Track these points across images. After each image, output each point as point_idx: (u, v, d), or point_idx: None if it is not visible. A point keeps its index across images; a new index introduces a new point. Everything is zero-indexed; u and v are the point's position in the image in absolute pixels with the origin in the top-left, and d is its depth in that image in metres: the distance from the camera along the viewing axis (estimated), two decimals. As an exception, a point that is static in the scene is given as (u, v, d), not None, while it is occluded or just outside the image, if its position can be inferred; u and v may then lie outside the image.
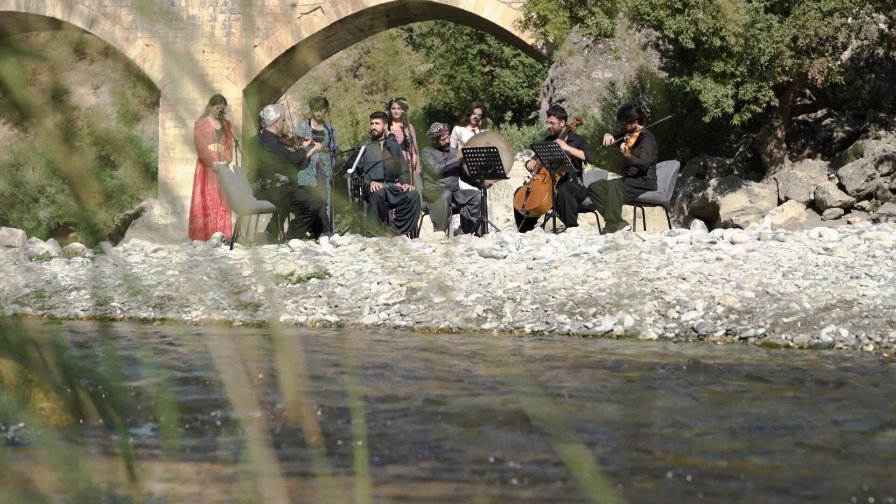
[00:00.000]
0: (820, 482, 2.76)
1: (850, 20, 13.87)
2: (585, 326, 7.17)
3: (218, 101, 13.57)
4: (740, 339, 6.66)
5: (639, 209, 12.37)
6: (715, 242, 9.11)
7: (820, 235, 9.24)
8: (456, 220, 13.06)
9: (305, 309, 8.27)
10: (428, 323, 7.60)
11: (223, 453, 3.04)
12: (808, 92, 16.27)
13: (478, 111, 14.13)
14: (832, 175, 14.99)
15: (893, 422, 3.65)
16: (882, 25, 14.64)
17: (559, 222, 11.89)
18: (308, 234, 11.65)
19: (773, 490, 2.68)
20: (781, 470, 2.88)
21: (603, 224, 12.09)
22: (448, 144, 13.19)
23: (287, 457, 2.74)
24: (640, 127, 12.04)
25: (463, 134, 13.93)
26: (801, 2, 13.73)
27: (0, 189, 30.10)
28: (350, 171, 12.46)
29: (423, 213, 12.78)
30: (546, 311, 7.46)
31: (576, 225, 11.93)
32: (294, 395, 1.13)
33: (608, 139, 12.22)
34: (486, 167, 12.21)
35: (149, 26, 23.06)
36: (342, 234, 11.74)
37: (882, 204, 14.30)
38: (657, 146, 12.27)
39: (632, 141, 11.96)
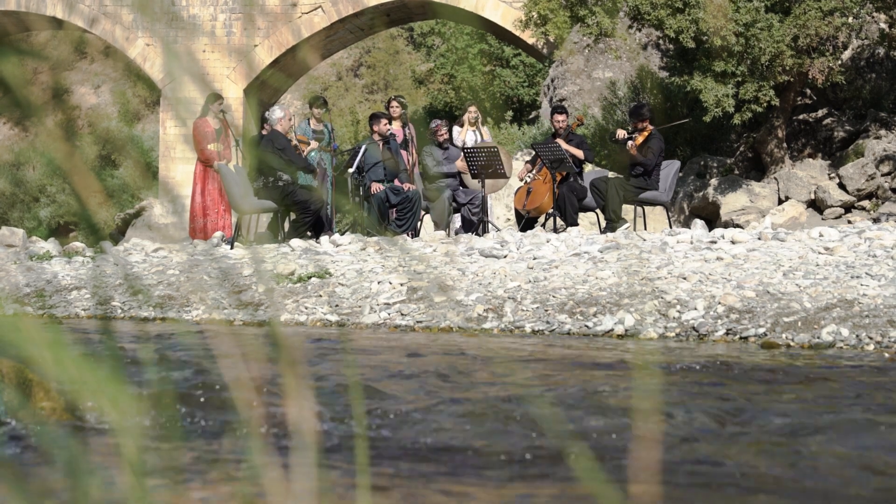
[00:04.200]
0: (826, 483, 2.76)
1: (850, 20, 13.87)
2: (586, 326, 7.17)
3: (215, 98, 13.58)
4: (741, 338, 6.66)
5: (639, 209, 12.38)
6: (715, 242, 9.11)
7: (820, 235, 9.23)
8: (457, 220, 13.07)
9: (306, 308, 8.27)
10: (428, 322, 7.60)
11: (224, 453, 3.04)
12: (808, 91, 16.27)
13: (472, 109, 14.16)
14: (833, 175, 14.99)
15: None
16: (882, 25, 14.63)
17: (560, 222, 11.89)
18: (309, 233, 11.65)
19: (777, 490, 2.68)
20: (788, 470, 2.88)
21: (603, 224, 12.10)
22: (446, 140, 13.18)
23: (288, 456, 2.73)
24: (651, 127, 12.07)
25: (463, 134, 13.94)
26: (801, 1, 13.72)
27: (1, 188, 30.10)
28: (350, 170, 12.46)
29: (423, 212, 12.78)
30: (546, 310, 7.46)
31: (576, 224, 11.93)
32: (295, 394, 1.13)
33: (622, 133, 12.24)
34: (486, 167, 12.23)
35: (149, 26, 23.05)
36: (343, 234, 11.74)
37: (882, 203, 14.31)
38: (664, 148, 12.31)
39: (640, 139, 11.99)
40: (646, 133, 12.00)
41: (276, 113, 12.08)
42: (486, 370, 4.97)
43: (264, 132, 12.47)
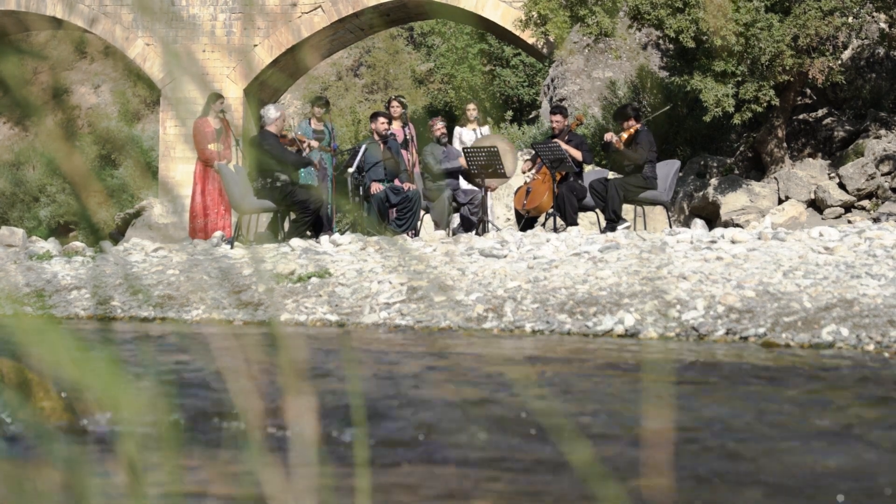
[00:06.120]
0: (830, 482, 2.76)
1: (850, 19, 13.87)
2: (586, 326, 7.17)
3: (216, 98, 13.57)
4: (741, 338, 6.66)
5: (639, 208, 12.38)
6: (715, 242, 9.11)
7: (820, 235, 9.23)
8: (456, 220, 13.07)
9: (306, 308, 8.27)
10: (428, 322, 7.60)
11: (224, 452, 3.04)
12: (808, 91, 16.27)
13: (471, 107, 14.20)
14: (833, 174, 14.99)
15: None
16: (882, 25, 14.64)
17: (559, 221, 11.89)
18: (309, 233, 11.65)
19: (780, 490, 2.68)
20: (792, 469, 2.88)
21: (603, 223, 12.10)
22: (444, 135, 13.17)
23: (287, 455, 2.73)
24: (637, 124, 12.08)
25: (463, 134, 13.95)
26: (801, 1, 13.72)
27: (1, 188, 30.11)
28: (350, 170, 12.46)
29: (423, 212, 12.79)
30: (546, 310, 7.46)
31: (576, 224, 11.93)
32: (295, 393, 1.13)
33: (608, 136, 12.28)
34: (486, 167, 12.23)
35: (149, 25, 23.05)
36: (343, 233, 11.74)
37: (882, 203, 14.31)
38: (656, 143, 12.30)
39: (624, 136, 12.02)
40: (631, 130, 12.02)
41: (270, 113, 11.97)
42: (485, 369, 4.97)
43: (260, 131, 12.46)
